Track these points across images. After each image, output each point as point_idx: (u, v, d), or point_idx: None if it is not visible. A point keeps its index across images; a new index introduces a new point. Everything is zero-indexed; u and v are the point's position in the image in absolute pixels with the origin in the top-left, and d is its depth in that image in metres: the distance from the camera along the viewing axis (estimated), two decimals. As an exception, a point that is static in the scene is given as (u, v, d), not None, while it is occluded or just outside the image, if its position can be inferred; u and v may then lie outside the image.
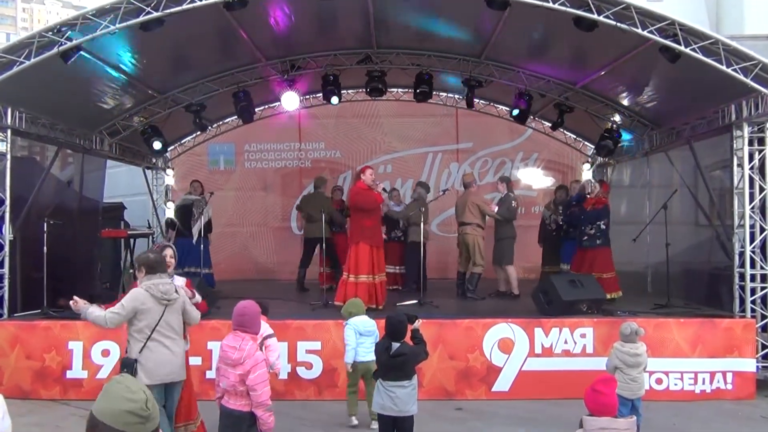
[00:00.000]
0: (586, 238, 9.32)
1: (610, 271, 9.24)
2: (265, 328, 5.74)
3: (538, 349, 7.45)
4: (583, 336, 7.46)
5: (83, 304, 4.93)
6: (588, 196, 9.53)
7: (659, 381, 7.35)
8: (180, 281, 5.51)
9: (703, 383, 7.36)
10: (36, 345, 7.55)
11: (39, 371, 7.50)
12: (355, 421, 6.40)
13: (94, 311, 4.88)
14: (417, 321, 5.38)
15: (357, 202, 8.76)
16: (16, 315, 8.06)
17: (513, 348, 7.45)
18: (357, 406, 6.42)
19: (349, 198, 9.58)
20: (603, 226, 9.24)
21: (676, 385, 7.37)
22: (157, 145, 10.68)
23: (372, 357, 6.30)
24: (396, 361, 4.96)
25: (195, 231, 10.61)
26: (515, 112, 10.72)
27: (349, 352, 6.38)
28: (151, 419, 1.86)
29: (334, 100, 10.74)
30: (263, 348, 5.50)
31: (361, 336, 6.36)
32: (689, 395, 7.33)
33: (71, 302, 4.98)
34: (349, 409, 6.46)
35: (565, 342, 7.46)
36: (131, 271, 10.38)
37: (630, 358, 5.80)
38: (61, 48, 7.18)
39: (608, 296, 8.99)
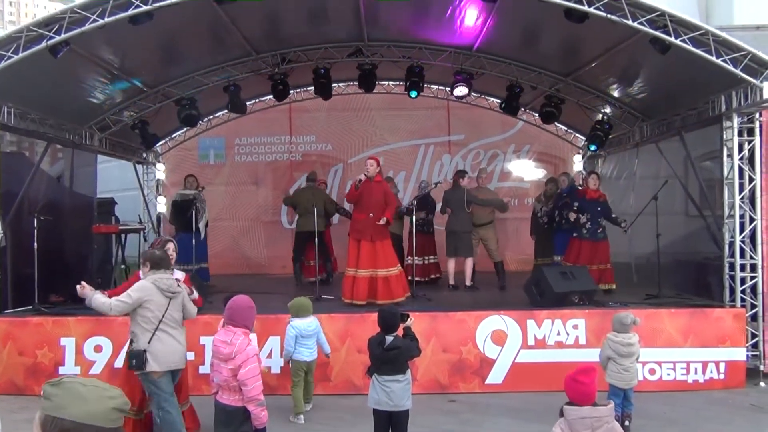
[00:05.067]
0: (600, 230, 9.50)
1: (608, 262, 9.57)
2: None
3: (531, 341, 7.47)
4: (575, 327, 7.49)
5: (89, 290, 5.12)
6: (590, 188, 9.63)
7: (652, 371, 7.40)
8: (180, 276, 5.74)
9: (696, 373, 7.41)
10: (28, 341, 7.51)
11: (31, 367, 7.47)
12: (302, 420, 6.45)
13: (100, 298, 5.10)
14: (409, 319, 5.37)
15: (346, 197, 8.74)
16: (7, 311, 8.03)
17: (506, 340, 7.46)
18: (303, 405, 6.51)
19: None
20: (617, 217, 9.52)
21: (668, 375, 7.42)
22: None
23: (313, 356, 6.58)
24: (390, 354, 4.96)
25: (201, 227, 10.62)
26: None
27: (285, 354, 6.63)
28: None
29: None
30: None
31: (302, 338, 6.50)
32: (682, 385, 7.38)
33: (78, 287, 5.15)
34: (295, 407, 6.50)
35: (558, 333, 7.49)
36: (122, 266, 10.37)
37: (623, 348, 5.84)
38: (49, 42, 7.11)
39: (608, 287, 9.35)
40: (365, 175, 8.36)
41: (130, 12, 6.99)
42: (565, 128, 12.85)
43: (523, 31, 9.50)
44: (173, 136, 12.92)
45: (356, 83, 10.86)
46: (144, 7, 6.97)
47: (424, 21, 9.51)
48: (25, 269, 8.38)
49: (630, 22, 6.98)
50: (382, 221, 8.29)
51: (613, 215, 9.51)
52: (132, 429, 5.40)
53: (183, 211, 10.75)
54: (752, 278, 7.68)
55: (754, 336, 7.63)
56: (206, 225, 11.04)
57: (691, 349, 7.43)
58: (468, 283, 10.13)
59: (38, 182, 9.27)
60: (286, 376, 7.15)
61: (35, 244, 8.39)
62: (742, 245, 7.72)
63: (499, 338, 7.48)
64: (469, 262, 10.18)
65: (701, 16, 14.41)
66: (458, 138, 13.73)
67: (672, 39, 7.02)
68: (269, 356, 7.37)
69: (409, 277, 9.46)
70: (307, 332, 6.52)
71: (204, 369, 7.28)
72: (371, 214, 8.33)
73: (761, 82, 7.03)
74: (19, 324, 7.62)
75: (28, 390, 7.42)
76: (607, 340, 5.98)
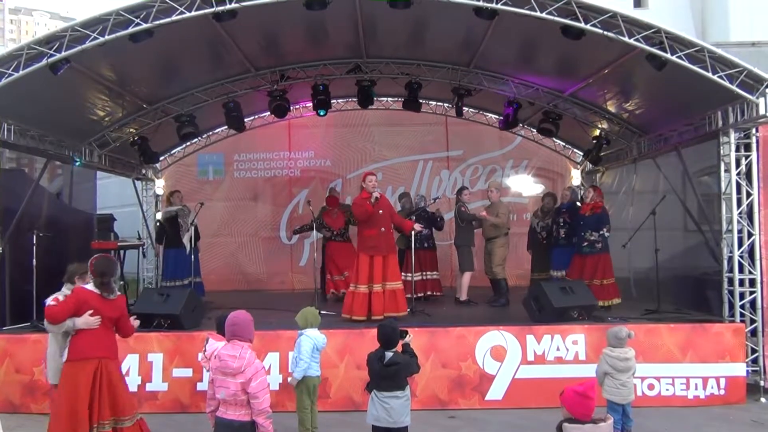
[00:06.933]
0: (586, 244, 9.31)
1: (610, 277, 9.29)
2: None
3: (530, 357, 7.45)
4: (575, 343, 7.47)
5: None
6: (584, 201, 9.61)
7: (651, 387, 7.38)
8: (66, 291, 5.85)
9: (696, 388, 7.39)
10: (25, 358, 7.47)
11: (28, 385, 7.43)
12: None
13: None
14: (408, 336, 5.36)
15: (354, 213, 8.73)
16: (5, 328, 8.01)
17: (505, 356, 7.45)
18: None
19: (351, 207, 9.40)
20: (605, 232, 9.27)
21: (667, 390, 7.39)
22: None
23: (319, 371, 6.23)
24: (389, 370, 4.95)
25: (186, 241, 10.52)
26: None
27: (300, 369, 6.06)
28: None
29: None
30: None
31: (316, 351, 6.15)
32: (682, 400, 7.36)
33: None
34: (300, 428, 6.20)
35: (558, 349, 7.47)
36: (121, 282, 10.32)
37: (620, 363, 5.84)
38: (50, 60, 7.15)
39: (607, 303, 9.07)
40: (375, 192, 8.37)
41: (131, 30, 7.05)
42: (563, 144, 12.90)
43: (521, 47, 9.56)
44: (172, 152, 12.95)
45: (355, 99, 10.91)
46: (144, 25, 7.03)
47: (421, 37, 9.57)
48: (23, 285, 8.37)
49: (626, 39, 7.04)
50: (417, 227, 8.86)
51: (592, 236, 9.23)
52: None
53: (168, 227, 10.72)
54: (751, 293, 7.68)
55: (754, 351, 7.61)
56: (196, 239, 10.70)
57: (691, 364, 7.41)
58: (462, 297, 10.12)
59: (38, 198, 9.29)
60: (284, 392, 7.11)
61: (34, 260, 8.40)
62: (741, 260, 7.73)
63: (498, 354, 7.46)
64: (465, 277, 10.17)
65: (697, 32, 14.56)
66: (457, 153, 13.77)
67: (668, 55, 7.08)
68: (268, 372, 7.31)
69: (408, 295, 9.46)
70: (321, 345, 6.20)
71: (202, 386, 7.23)
72: (382, 229, 8.40)
73: (758, 97, 7.10)
74: (17, 341, 7.59)
75: (24, 408, 7.38)
76: (603, 355, 5.98)
